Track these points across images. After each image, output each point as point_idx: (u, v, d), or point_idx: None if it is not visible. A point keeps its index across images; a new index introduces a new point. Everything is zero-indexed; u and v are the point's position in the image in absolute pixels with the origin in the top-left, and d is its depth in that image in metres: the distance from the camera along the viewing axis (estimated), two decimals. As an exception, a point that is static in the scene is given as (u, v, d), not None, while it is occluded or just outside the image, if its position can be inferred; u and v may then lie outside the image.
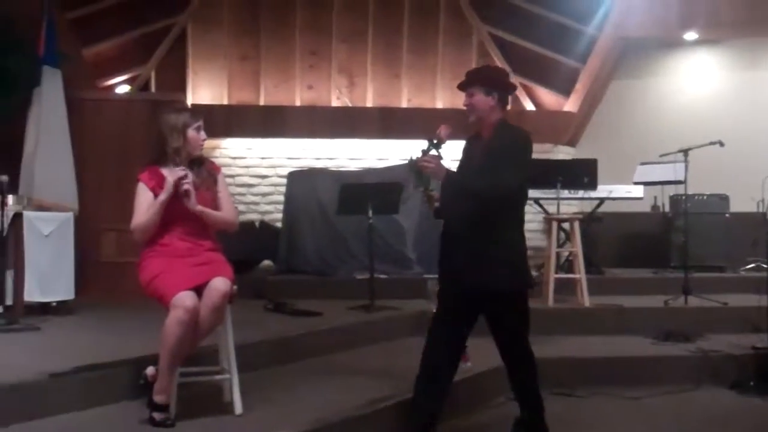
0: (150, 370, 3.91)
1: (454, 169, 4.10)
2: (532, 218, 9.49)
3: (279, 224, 8.84)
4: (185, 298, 3.75)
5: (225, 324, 4.10)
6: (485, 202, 3.93)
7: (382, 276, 7.50)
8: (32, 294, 6.00)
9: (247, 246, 8.06)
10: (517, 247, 4.10)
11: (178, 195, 3.98)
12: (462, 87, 4.19)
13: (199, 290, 3.86)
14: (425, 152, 3.95)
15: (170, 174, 3.99)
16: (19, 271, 5.92)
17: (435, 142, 3.99)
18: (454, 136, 4.07)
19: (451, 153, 4.17)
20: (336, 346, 5.77)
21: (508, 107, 4.28)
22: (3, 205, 5.70)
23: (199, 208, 4.01)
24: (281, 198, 8.92)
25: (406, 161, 4.10)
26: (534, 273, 8.22)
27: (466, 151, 4.24)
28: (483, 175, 3.93)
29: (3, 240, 5.78)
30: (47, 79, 6.82)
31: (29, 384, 3.92)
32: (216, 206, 4.14)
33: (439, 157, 3.98)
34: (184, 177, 3.98)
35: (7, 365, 4.25)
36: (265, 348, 5.28)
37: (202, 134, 4.15)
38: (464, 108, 4.16)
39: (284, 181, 8.90)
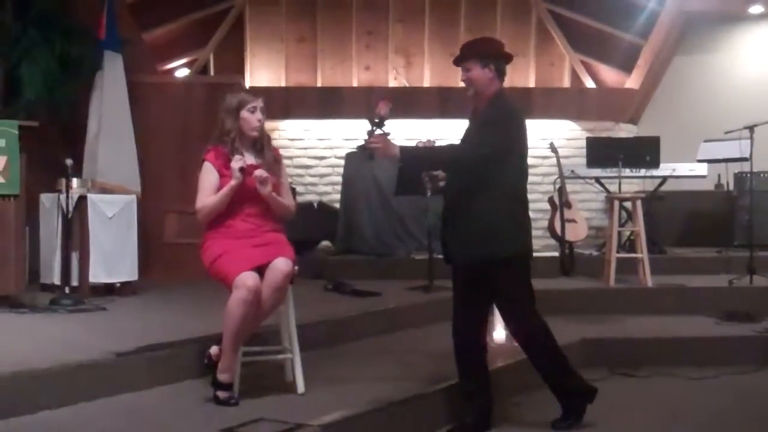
0: (214, 350, 3.97)
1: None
2: (594, 197, 9.46)
3: (337, 205, 8.87)
4: (247, 278, 3.79)
5: (287, 304, 4.14)
6: (456, 170, 4.07)
7: (440, 256, 7.47)
8: (97, 275, 6.14)
9: (306, 227, 8.11)
10: (492, 216, 3.96)
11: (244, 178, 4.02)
12: (457, 62, 4.15)
13: (261, 271, 3.90)
14: (370, 133, 3.95)
15: (238, 161, 4.01)
16: (85, 252, 6.07)
17: (376, 121, 4.04)
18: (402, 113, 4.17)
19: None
20: (395, 326, 5.79)
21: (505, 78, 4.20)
22: (68, 188, 5.84)
23: (269, 191, 4.04)
24: (339, 179, 8.94)
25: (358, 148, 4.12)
26: (594, 252, 8.24)
27: (467, 128, 4.18)
28: (455, 146, 4.11)
29: (68, 222, 5.93)
30: (108, 64, 6.91)
31: (96, 363, 4.00)
32: (278, 191, 4.15)
33: (385, 135, 4.02)
34: (258, 166, 4.03)
35: (75, 344, 4.36)
36: (325, 328, 5.33)
37: (258, 114, 4.15)
38: (464, 82, 4.12)
39: (342, 162, 8.93)
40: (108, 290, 6.26)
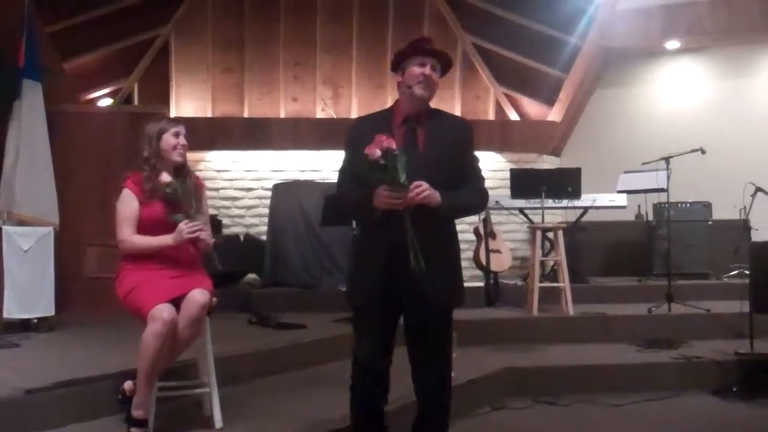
0: (128, 385, 3.88)
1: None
2: (518, 228, 9.58)
3: (264, 237, 8.81)
4: (163, 311, 3.72)
5: (204, 336, 4.07)
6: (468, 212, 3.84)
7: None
8: (11, 311, 5.96)
9: (232, 259, 8.02)
10: (458, 255, 3.67)
11: (162, 206, 3.96)
12: (433, 54, 3.50)
13: (177, 303, 3.83)
14: (395, 177, 3.18)
15: (187, 226, 3.93)
16: (-2, 287, 5.89)
17: (398, 153, 3.20)
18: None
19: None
20: (320, 358, 5.74)
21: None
22: (-18, 220, 5.68)
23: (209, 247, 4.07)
24: (266, 211, 8.89)
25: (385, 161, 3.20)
26: (519, 282, 8.34)
27: (403, 136, 3.42)
28: (470, 186, 3.51)
29: (-18, 255, 5.76)
30: (27, 93, 6.74)
31: (5, 400, 3.88)
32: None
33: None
34: (201, 230, 3.97)
35: (-16, 382, 4.21)
36: (248, 361, 5.25)
37: (181, 139, 4.11)
38: (422, 77, 3.43)
39: (269, 193, 8.87)
40: (24, 326, 6.06)
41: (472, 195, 3.54)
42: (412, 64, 3.47)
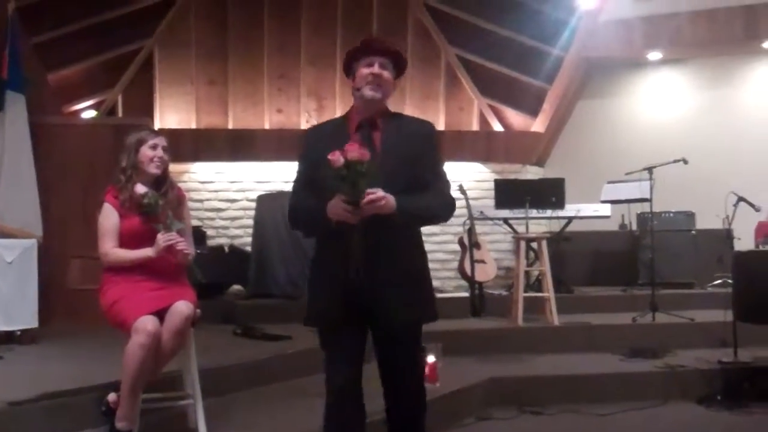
0: (112, 397, 3.87)
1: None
2: (503, 238, 9.59)
3: (248, 248, 8.79)
4: (146, 322, 3.71)
5: (188, 348, 4.06)
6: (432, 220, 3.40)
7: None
8: (-5, 322, 5.91)
9: (216, 271, 8.00)
10: (427, 268, 3.43)
11: (144, 220, 3.95)
12: (380, 51, 3.30)
13: (161, 315, 3.82)
14: (356, 183, 2.97)
15: (167, 239, 3.91)
16: (-19, 299, 5.85)
17: (362, 167, 2.95)
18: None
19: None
20: (304, 369, 5.71)
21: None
22: (-35, 231, 5.64)
23: (190, 260, 4.05)
24: (251, 222, 8.88)
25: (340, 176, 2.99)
26: (504, 292, 8.36)
27: (359, 142, 3.12)
28: (432, 191, 3.24)
29: (-36, 267, 5.72)
30: (10, 104, 6.72)
31: (-13, 413, 3.84)
32: (180, 235, 4.05)
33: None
34: (179, 241, 3.95)
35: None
36: (232, 372, 5.23)
37: (159, 152, 4.10)
38: (370, 77, 3.25)
39: (253, 205, 8.87)
40: (7, 338, 6.01)
41: (433, 200, 3.24)
42: (360, 66, 3.29)
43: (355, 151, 2.94)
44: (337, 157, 2.94)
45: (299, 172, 3.42)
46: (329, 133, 3.30)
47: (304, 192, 3.32)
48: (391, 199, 3.03)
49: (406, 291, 3.17)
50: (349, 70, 3.38)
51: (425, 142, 3.31)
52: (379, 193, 2.99)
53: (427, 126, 3.39)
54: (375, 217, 3.02)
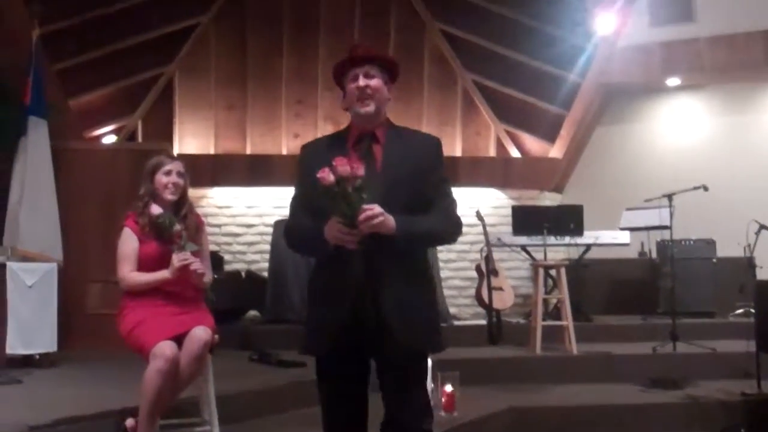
0: (130, 422, 3.86)
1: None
2: (520, 265, 9.55)
3: (265, 274, 8.79)
4: (165, 348, 3.72)
5: (206, 374, 4.05)
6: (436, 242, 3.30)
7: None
8: (14, 347, 5.93)
9: (233, 296, 8.02)
10: (435, 297, 3.25)
11: (159, 241, 3.97)
12: (358, 61, 3.09)
13: (179, 340, 3.82)
14: (349, 201, 2.76)
15: (181, 258, 3.94)
16: (1, 323, 5.87)
17: (358, 184, 2.76)
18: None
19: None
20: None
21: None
22: (-14, 255, 5.69)
23: (207, 283, 4.07)
24: (267, 247, 8.89)
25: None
26: (521, 320, 8.31)
27: (358, 156, 2.95)
28: (436, 211, 3.02)
29: (-15, 291, 5.75)
30: (33, 130, 6.81)
31: (7, 438, 3.85)
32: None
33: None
34: (195, 261, 3.97)
35: (-14, 419, 4.18)
36: (248, 399, 5.22)
37: (173, 177, 4.14)
38: (356, 92, 3.05)
39: (270, 230, 8.88)
40: (26, 362, 6.05)
41: (437, 220, 3.01)
42: (347, 82, 3.08)
43: (345, 165, 2.74)
44: (326, 174, 2.73)
45: (296, 191, 3.24)
46: (327, 147, 3.09)
47: (301, 211, 3.13)
48: (389, 218, 2.81)
49: (410, 319, 2.90)
50: (343, 88, 3.15)
51: (430, 156, 3.11)
52: (376, 209, 2.78)
53: (433, 140, 3.20)
54: (376, 243, 2.82)
